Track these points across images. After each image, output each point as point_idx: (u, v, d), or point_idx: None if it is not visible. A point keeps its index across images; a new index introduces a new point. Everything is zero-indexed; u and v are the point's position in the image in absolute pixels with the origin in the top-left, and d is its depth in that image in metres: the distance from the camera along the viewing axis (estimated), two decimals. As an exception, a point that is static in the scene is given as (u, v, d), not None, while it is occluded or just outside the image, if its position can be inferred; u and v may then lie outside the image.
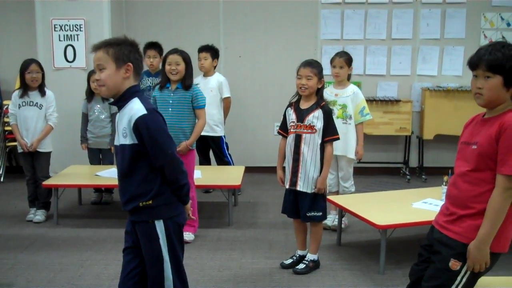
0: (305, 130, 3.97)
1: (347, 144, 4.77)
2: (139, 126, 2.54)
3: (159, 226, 2.64)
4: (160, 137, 2.56)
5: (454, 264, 2.51)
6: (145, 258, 2.72)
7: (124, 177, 2.66)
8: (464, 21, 7.16)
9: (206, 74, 6.18)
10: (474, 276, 2.52)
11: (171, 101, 4.60)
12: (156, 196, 2.61)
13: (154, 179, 2.59)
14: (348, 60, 4.93)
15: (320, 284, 3.94)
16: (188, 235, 4.71)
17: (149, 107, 2.59)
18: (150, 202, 2.61)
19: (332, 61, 4.97)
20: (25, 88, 5.23)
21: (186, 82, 4.62)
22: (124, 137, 2.60)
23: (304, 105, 4.03)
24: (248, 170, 6.09)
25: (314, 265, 4.17)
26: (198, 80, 6.12)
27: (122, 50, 2.61)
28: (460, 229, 2.50)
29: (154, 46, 5.96)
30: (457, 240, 2.50)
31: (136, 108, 2.57)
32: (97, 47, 2.64)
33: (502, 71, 2.41)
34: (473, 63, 2.50)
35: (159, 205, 2.62)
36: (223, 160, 6.29)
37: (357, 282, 3.98)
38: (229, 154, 6.35)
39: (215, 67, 6.25)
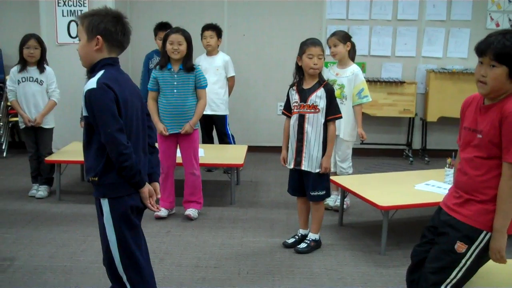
0: (308, 110, 3.95)
1: (339, 125, 4.71)
2: (86, 99, 2.50)
3: (104, 204, 2.60)
4: (101, 114, 2.48)
5: (459, 246, 2.50)
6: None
7: (83, 148, 2.63)
8: (470, 2, 7.10)
9: (210, 53, 6.14)
10: (479, 260, 2.52)
11: (175, 83, 4.59)
12: (102, 174, 2.56)
13: (102, 156, 2.54)
14: (342, 37, 4.85)
15: (321, 264, 3.95)
16: (161, 211, 4.76)
17: (102, 82, 2.49)
18: (96, 178, 2.57)
19: (327, 42, 4.94)
20: (23, 63, 5.19)
21: (188, 64, 4.61)
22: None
23: (306, 85, 4.01)
24: (251, 149, 6.08)
25: (316, 245, 4.18)
26: (201, 59, 6.10)
27: (93, 21, 2.55)
28: (469, 212, 2.50)
29: (166, 27, 5.88)
30: (465, 223, 2.50)
31: (91, 81, 2.52)
32: (76, 18, 2.65)
33: (509, 62, 2.36)
34: (481, 50, 2.43)
35: (104, 184, 2.57)
36: (224, 140, 6.29)
37: (358, 262, 3.99)
38: (232, 135, 6.35)
39: (218, 46, 6.21)
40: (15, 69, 5.24)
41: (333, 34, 4.89)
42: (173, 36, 4.54)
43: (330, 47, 4.87)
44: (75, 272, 3.74)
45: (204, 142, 6.34)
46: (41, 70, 5.21)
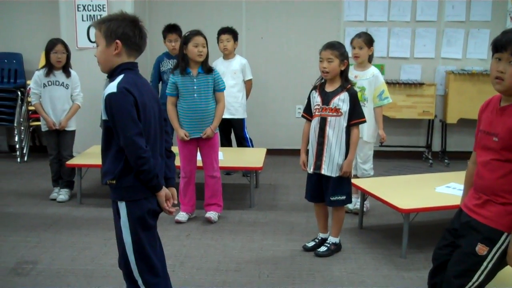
0: (331, 113, 3.93)
1: (362, 127, 4.70)
2: (106, 103, 2.53)
3: (122, 207, 2.63)
4: (120, 118, 2.50)
5: (481, 248, 2.47)
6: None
7: (102, 151, 2.66)
8: (490, 3, 7.03)
9: (227, 56, 6.15)
10: (501, 262, 2.49)
11: (195, 87, 4.59)
12: (120, 177, 2.58)
13: (120, 159, 2.56)
14: (368, 41, 4.86)
15: (342, 267, 3.94)
16: (181, 215, 4.80)
17: (122, 86, 2.52)
18: (114, 182, 2.59)
19: (351, 42, 4.92)
20: (50, 67, 5.25)
21: (207, 66, 4.63)
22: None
23: (329, 88, 3.99)
24: (269, 152, 6.08)
25: (336, 248, 4.17)
26: (218, 62, 6.10)
27: (111, 26, 2.58)
28: (489, 214, 2.47)
29: (175, 29, 5.93)
30: (486, 224, 2.47)
31: (111, 85, 2.54)
32: (93, 24, 2.67)
33: None
34: (500, 45, 2.42)
35: (121, 187, 2.59)
36: (243, 143, 6.31)
37: (379, 266, 3.97)
38: (250, 139, 6.35)
39: (234, 49, 6.22)
40: (41, 72, 5.28)
41: (359, 36, 4.86)
42: (197, 39, 4.53)
43: (354, 48, 4.85)
44: (97, 275, 3.77)
45: (222, 145, 6.34)
46: (67, 74, 5.29)
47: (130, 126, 2.50)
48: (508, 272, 2.63)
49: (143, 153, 2.52)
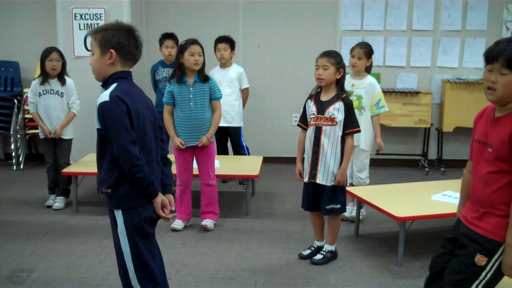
0: (326, 122, 3.93)
1: (359, 135, 4.71)
2: (99, 112, 2.54)
3: (118, 216, 2.63)
4: (114, 126, 2.51)
5: (480, 259, 2.47)
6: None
7: (97, 160, 2.67)
8: (486, 12, 7.06)
9: (224, 65, 6.16)
10: (499, 273, 2.48)
11: (191, 96, 4.60)
12: (115, 185, 2.58)
13: (115, 167, 2.57)
14: (368, 53, 4.88)
15: (338, 275, 3.94)
16: (177, 223, 4.80)
17: (115, 94, 2.53)
18: (109, 190, 2.60)
19: (352, 50, 4.93)
20: (45, 75, 5.26)
21: (204, 75, 4.65)
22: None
23: (324, 97, 3.99)
24: (266, 160, 6.08)
25: (332, 256, 4.16)
26: (215, 71, 6.11)
27: (106, 36, 2.59)
28: (488, 226, 2.46)
29: (171, 36, 5.97)
30: (485, 236, 2.46)
31: (103, 94, 2.55)
32: (89, 33, 2.68)
33: None
34: (491, 57, 2.42)
35: (117, 195, 2.60)
36: (239, 151, 6.31)
37: (375, 274, 3.97)
38: (246, 147, 6.36)
39: (231, 58, 6.23)
40: (36, 81, 5.31)
41: (361, 47, 4.88)
42: (193, 48, 4.54)
43: (353, 57, 4.87)
44: (92, 284, 3.76)
45: (218, 153, 6.34)
46: (62, 82, 5.30)
47: (122, 135, 2.51)
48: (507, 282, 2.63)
49: (136, 161, 2.53)
